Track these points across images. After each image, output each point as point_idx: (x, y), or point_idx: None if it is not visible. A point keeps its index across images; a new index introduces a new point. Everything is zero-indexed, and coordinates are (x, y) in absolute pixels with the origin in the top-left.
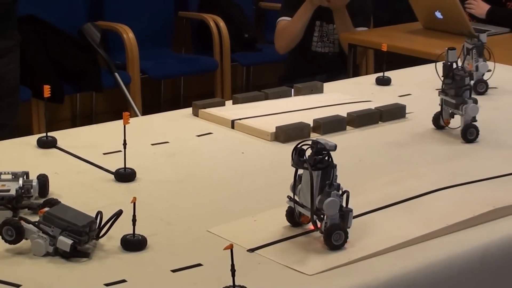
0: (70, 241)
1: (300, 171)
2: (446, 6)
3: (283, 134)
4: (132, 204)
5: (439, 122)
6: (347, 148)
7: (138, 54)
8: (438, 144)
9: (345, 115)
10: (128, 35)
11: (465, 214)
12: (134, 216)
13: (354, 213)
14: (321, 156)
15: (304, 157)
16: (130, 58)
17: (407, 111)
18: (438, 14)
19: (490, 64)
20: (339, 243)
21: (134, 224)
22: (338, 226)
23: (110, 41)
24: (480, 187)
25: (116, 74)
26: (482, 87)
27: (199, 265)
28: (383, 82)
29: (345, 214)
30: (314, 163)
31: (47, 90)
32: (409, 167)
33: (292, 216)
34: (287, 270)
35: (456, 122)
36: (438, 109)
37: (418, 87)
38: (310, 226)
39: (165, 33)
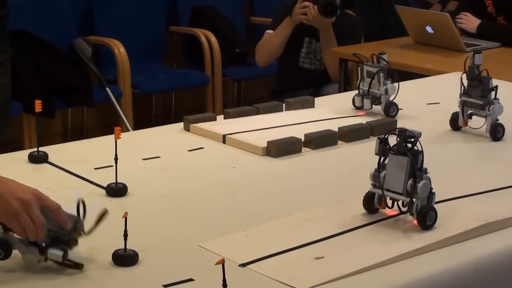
0: (60, 252)
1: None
2: (437, 21)
3: (274, 149)
4: (124, 219)
5: (457, 123)
6: (338, 163)
7: (129, 69)
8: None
9: (336, 129)
10: (120, 50)
11: (457, 229)
12: (125, 231)
13: (346, 229)
14: (409, 143)
15: (389, 146)
16: (121, 72)
17: (398, 126)
18: (429, 29)
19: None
20: (431, 223)
21: (125, 239)
22: (429, 207)
23: (102, 56)
24: (472, 201)
25: (108, 89)
26: (393, 110)
27: (191, 280)
28: None
29: (431, 196)
30: (407, 149)
31: (38, 105)
32: None
33: (371, 203)
34: (278, 285)
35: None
36: (429, 123)
37: (409, 101)
38: (387, 211)
39: (156, 48)
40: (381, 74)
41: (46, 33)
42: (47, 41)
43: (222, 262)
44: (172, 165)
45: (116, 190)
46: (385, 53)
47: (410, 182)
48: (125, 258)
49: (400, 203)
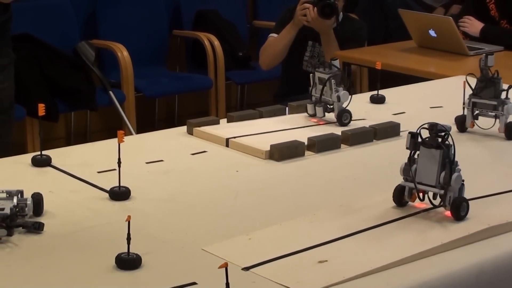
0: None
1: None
2: (440, 25)
3: (277, 153)
4: (127, 222)
5: (464, 125)
6: (341, 166)
7: (132, 73)
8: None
9: (339, 133)
10: (123, 53)
11: (460, 232)
12: (128, 234)
13: (350, 232)
14: (440, 137)
15: (420, 139)
16: (124, 76)
17: (401, 129)
18: (432, 33)
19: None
20: (464, 213)
21: (128, 243)
22: (462, 198)
23: (105, 60)
24: (475, 205)
25: (111, 92)
26: (346, 117)
27: (194, 283)
28: (377, 100)
29: (462, 188)
30: (440, 143)
31: (41, 109)
32: None
33: (401, 196)
34: None
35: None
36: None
37: (412, 105)
38: (417, 204)
39: (159, 52)
40: (332, 80)
41: (50, 37)
42: (50, 45)
43: (225, 266)
44: (175, 169)
45: (119, 194)
46: (336, 59)
47: (443, 174)
48: (128, 262)
49: (431, 195)
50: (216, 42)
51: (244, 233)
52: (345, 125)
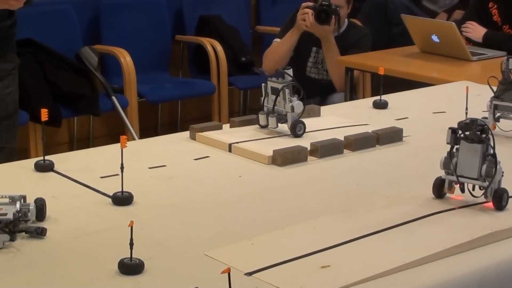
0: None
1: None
2: (442, 30)
3: (280, 158)
4: (129, 228)
5: None
6: (344, 172)
7: (135, 78)
8: (435, 167)
9: (342, 138)
10: (126, 58)
11: (462, 238)
12: (131, 239)
13: (352, 237)
14: (479, 132)
15: (463, 134)
16: (127, 81)
17: (404, 135)
18: (434, 38)
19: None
20: (505, 203)
21: (131, 248)
22: (503, 189)
23: (108, 65)
24: (478, 211)
25: (114, 97)
26: (300, 128)
27: None
28: (380, 105)
29: (501, 180)
30: (481, 137)
31: (44, 114)
32: (407, 190)
33: (441, 188)
34: None
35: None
36: (435, 132)
37: (415, 110)
38: (454, 196)
39: (162, 57)
40: (286, 90)
41: (53, 42)
42: (53, 50)
43: (228, 271)
44: (178, 174)
45: (122, 199)
46: (290, 68)
47: (484, 167)
48: (131, 267)
49: (470, 187)
50: (219, 47)
51: (247, 238)
52: (299, 136)
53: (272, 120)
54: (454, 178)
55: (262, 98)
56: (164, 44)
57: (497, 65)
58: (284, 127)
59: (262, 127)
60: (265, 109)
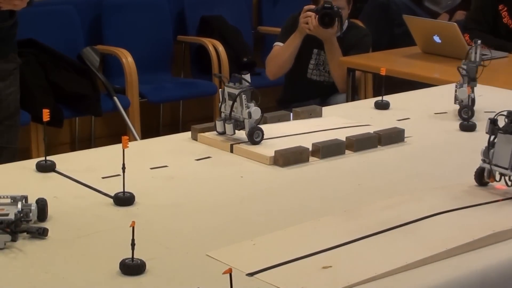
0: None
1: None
2: (444, 31)
3: (282, 158)
4: (131, 228)
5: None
6: (346, 172)
7: (137, 78)
8: (437, 168)
9: (344, 139)
10: (127, 59)
11: (464, 238)
12: (133, 240)
13: (354, 238)
14: None
15: (498, 126)
16: (129, 82)
17: (406, 135)
18: (436, 39)
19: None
20: None
21: (133, 248)
22: None
23: (110, 65)
24: (480, 211)
25: (115, 98)
26: (257, 135)
27: None
28: (382, 106)
29: None
30: None
31: (46, 114)
32: (408, 191)
33: (482, 176)
34: None
35: None
36: (437, 133)
37: (417, 111)
38: (496, 185)
39: (164, 57)
40: (243, 96)
41: (54, 42)
42: (55, 50)
43: (229, 272)
44: (179, 175)
45: (124, 199)
46: (247, 73)
47: None
48: (132, 267)
49: (507, 178)
50: (221, 48)
51: (248, 238)
52: (257, 143)
53: (229, 127)
54: (489, 167)
55: (220, 104)
56: (166, 45)
57: (498, 66)
58: (242, 134)
59: (220, 133)
60: (222, 115)
